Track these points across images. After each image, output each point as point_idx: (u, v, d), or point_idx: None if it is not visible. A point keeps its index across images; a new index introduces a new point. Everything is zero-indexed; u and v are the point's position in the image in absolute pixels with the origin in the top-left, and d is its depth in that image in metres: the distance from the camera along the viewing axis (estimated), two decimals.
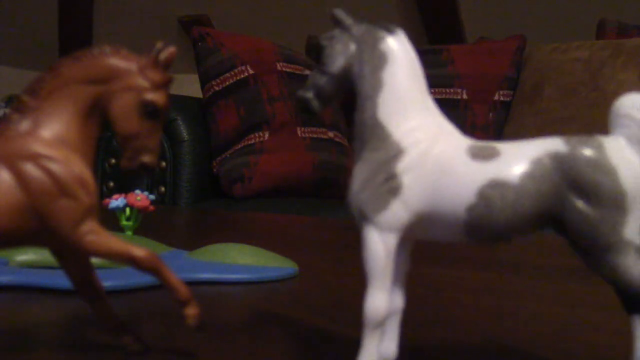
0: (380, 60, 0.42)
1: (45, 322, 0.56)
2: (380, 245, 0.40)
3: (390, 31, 0.42)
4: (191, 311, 0.44)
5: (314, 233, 1.30)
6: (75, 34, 3.62)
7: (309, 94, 0.43)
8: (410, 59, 0.42)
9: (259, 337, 0.53)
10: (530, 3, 2.84)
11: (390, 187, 0.40)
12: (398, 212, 0.40)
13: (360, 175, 0.41)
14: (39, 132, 0.43)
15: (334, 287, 0.76)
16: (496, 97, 2.12)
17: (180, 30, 3.51)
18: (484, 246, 0.40)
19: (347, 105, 2.14)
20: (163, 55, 0.44)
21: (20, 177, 0.41)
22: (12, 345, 0.49)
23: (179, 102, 1.94)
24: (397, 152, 0.41)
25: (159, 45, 0.44)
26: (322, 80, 0.42)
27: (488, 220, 0.39)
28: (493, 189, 0.39)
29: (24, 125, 0.43)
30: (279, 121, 1.97)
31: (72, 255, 0.45)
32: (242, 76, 1.97)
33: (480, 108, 2.11)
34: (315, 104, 0.43)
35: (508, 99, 2.12)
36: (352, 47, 0.42)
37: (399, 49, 0.42)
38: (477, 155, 0.40)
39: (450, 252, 0.96)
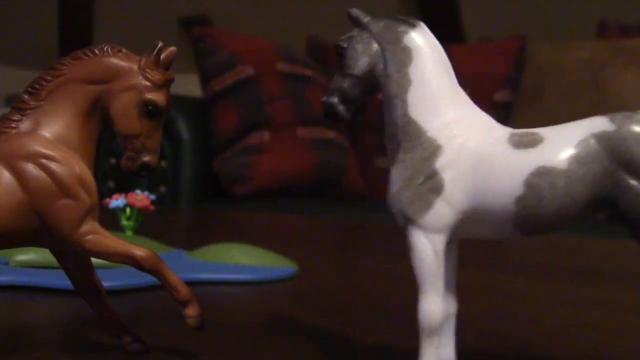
0: (404, 56, 0.40)
1: (45, 322, 0.56)
2: (428, 247, 0.39)
3: (411, 25, 0.41)
4: (191, 311, 0.44)
5: (314, 233, 1.30)
6: (75, 34, 3.61)
7: (334, 99, 0.41)
8: (436, 51, 0.41)
9: (259, 337, 0.53)
10: (531, 3, 2.84)
11: (432, 186, 0.39)
12: (442, 211, 0.39)
13: (399, 176, 0.40)
14: (39, 131, 0.43)
15: (334, 287, 0.76)
16: (496, 97, 2.11)
17: (180, 30, 3.51)
18: (533, 237, 0.39)
19: None
20: (164, 55, 0.44)
21: (21, 177, 0.41)
22: (12, 345, 0.49)
23: (179, 102, 1.94)
24: (434, 150, 0.39)
25: (160, 44, 0.44)
26: (345, 84, 0.41)
27: (538, 210, 0.38)
28: (541, 178, 0.37)
29: (25, 125, 0.43)
30: (279, 121, 1.97)
31: (73, 255, 0.45)
32: (242, 76, 1.97)
33: (480, 108, 2.11)
34: (341, 109, 0.41)
35: (508, 99, 2.12)
36: (374, 45, 0.41)
37: (423, 43, 0.41)
38: (519, 143, 0.39)
39: None
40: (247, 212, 1.67)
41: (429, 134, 0.40)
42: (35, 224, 0.42)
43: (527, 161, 0.38)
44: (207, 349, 0.49)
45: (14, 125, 0.43)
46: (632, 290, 0.80)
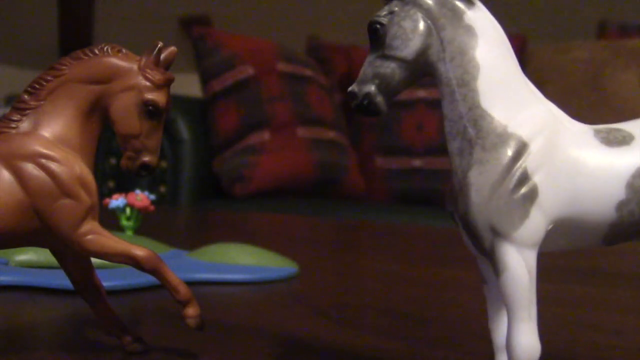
0: (468, 37, 0.35)
1: (45, 322, 0.56)
2: (522, 267, 0.33)
3: (469, 2, 0.35)
4: (191, 311, 0.44)
5: (314, 233, 1.30)
6: (75, 34, 3.62)
7: (370, 88, 0.34)
8: (500, 32, 0.36)
9: (259, 337, 0.53)
10: (530, 3, 2.84)
11: (525, 191, 0.33)
12: (538, 222, 0.33)
13: (483, 180, 0.33)
14: (39, 131, 0.43)
15: (334, 287, 0.76)
16: None
17: (180, 30, 3.51)
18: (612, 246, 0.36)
19: (348, 104, 2.14)
20: (164, 55, 0.44)
21: (21, 177, 0.41)
22: (12, 345, 0.49)
23: (179, 102, 1.94)
24: (521, 148, 0.33)
25: (160, 44, 0.44)
26: (387, 69, 0.34)
27: None
28: None
29: (25, 124, 0.43)
30: (279, 121, 1.97)
31: (73, 256, 0.45)
32: (242, 76, 1.97)
33: None
34: (379, 100, 0.34)
35: None
36: (425, 23, 0.35)
37: (487, 22, 0.35)
38: (610, 141, 0.34)
39: (450, 252, 0.96)
40: (247, 212, 1.67)
41: (510, 129, 0.34)
42: (35, 224, 0.42)
43: (626, 161, 0.34)
44: (207, 349, 0.49)
45: (14, 125, 0.43)
46: (632, 290, 0.80)
